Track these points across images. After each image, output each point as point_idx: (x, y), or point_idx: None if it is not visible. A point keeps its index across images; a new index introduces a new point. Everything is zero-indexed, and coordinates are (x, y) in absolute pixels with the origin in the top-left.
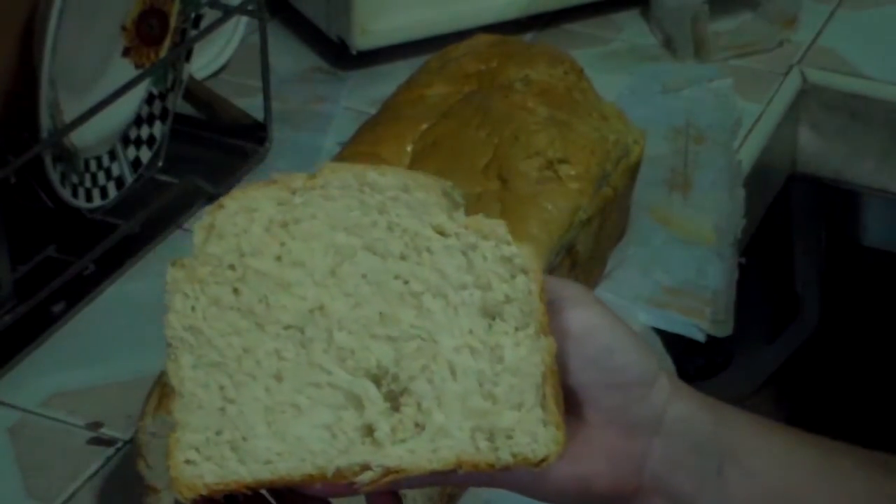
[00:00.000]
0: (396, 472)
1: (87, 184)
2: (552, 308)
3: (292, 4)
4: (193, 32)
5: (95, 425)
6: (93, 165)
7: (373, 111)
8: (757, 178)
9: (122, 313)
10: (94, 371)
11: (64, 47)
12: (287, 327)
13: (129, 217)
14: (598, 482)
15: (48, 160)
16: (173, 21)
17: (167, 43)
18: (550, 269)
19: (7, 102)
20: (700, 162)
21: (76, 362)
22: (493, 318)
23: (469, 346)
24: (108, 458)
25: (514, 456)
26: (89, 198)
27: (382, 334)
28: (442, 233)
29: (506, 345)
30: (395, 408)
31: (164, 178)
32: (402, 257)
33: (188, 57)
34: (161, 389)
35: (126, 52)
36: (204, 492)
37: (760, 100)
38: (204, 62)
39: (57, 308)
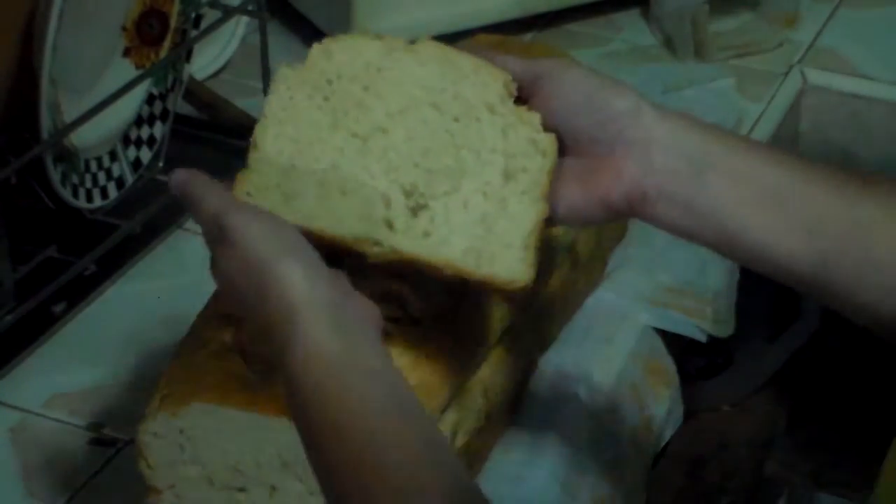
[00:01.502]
0: (399, 253)
1: (88, 184)
2: (539, 82)
3: (292, 4)
4: (194, 33)
5: (96, 426)
6: (93, 166)
7: None
8: None
9: (122, 314)
10: (95, 371)
11: (64, 48)
12: (354, 135)
13: (129, 217)
14: (611, 197)
15: (49, 161)
16: (173, 21)
17: (167, 43)
18: (551, 269)
19: (8, 103)
20: None
21: (77, 363)
22: (510, 179)
23: (484, 191)
24: (109, 459)
25: (490, 275)
26: (90, 198)
27: (423, 165)
28: (492, 110)
29: (511, 199)
30: (415, 215)
31: (164, 178)
32: (456, 119)
33: (188, 57)
34: (162, 390)
35: (126, 53)
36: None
37: (760, 100)
38: (204, 62)
39: (58, 308)
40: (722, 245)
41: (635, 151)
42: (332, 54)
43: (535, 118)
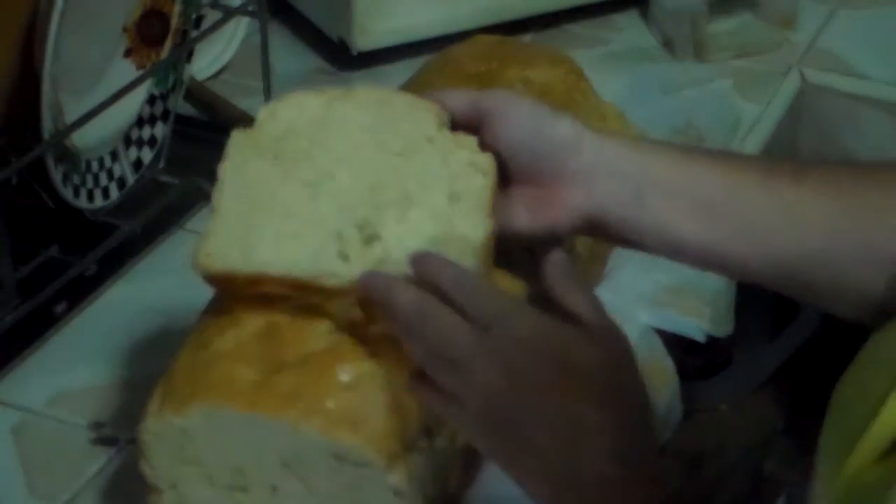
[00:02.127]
0: (356, 282)
1: (89, 184)
2: (485, 119)
3: (293, 5)
4: (194, 33)
5: (98, 425)
6: (94, 166)
7: None
8: None
9: (124, 313)
10: (97, 371)
11: (65, 49)
12: (305, 183)
13: (130, 217)
14: (559, 225)
15: (50, 161)
16: (174, 22)
17: (168, 44)
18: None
19: (9, 103)
20: None
21: (78, 362)
22: (455, 202)
23: (432, 216)
24: (111, 458)
25: None
26: (91, 198)
27: (372, 201)
28: (431, 141)
29: (458, 219)
30: (368, 245)
31: (165, 178)
32: (399, 154)
33: (189, 58)
34: (163, 389)
35: (127, 53)
36: (211, 274)
37: (760, 100)
38: (205, 63)
39: (59, 308)
40: (672, 255)
41: (578, 180)
42: (278, 114)
43: (472, 141)
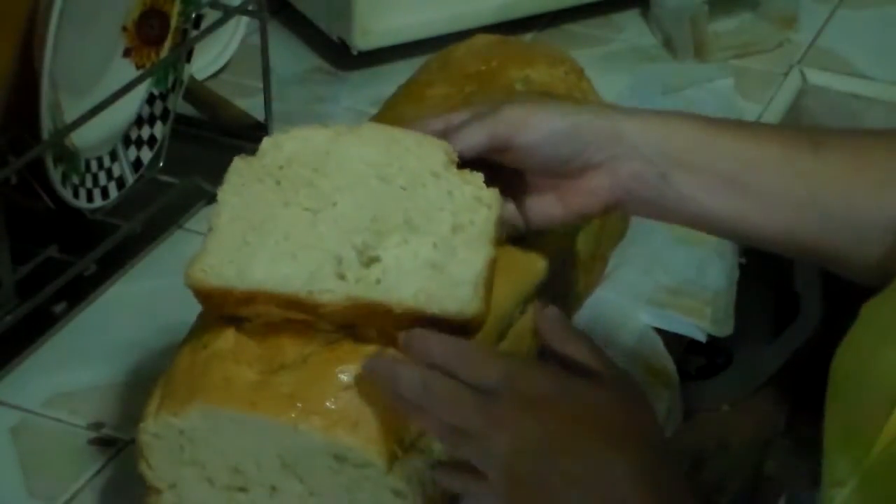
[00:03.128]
0: (352, 299)
1: (89, 184)
2: (509, 141)
3: (293, 4)
4: (194, 33)
5: (97, 425)
6: (94, 166)
7: (373, 111)
8: None
9: (123, 313)
10: (96, 371)
11: (65, 48)
12: (306, 209)
13: (130, 217)
14: (589, 210)
15: (49, 161)
16: (174, 21)
17: (168, 43)
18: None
19: (8, 103)
20: None
21: (77, 362)
22: (458, 232)
23: (434, 243)
24: (110, 459)
25: (441, 311)
26: (90, 198)
27: (373, 228)
28: (437, 176)
29: (461, 247)
30: (366, 267)
31: (164, 178)
32: (403, 187)
33: (189, 57)
34: (162, 390)
35: (127, 53)
36: (205, 289)
37: (760, 100)
38: (204, 62)
39: (58, 308)
40: (696, 227)
41: (604, 168)
42: (282, 145)
43: (478, 178)
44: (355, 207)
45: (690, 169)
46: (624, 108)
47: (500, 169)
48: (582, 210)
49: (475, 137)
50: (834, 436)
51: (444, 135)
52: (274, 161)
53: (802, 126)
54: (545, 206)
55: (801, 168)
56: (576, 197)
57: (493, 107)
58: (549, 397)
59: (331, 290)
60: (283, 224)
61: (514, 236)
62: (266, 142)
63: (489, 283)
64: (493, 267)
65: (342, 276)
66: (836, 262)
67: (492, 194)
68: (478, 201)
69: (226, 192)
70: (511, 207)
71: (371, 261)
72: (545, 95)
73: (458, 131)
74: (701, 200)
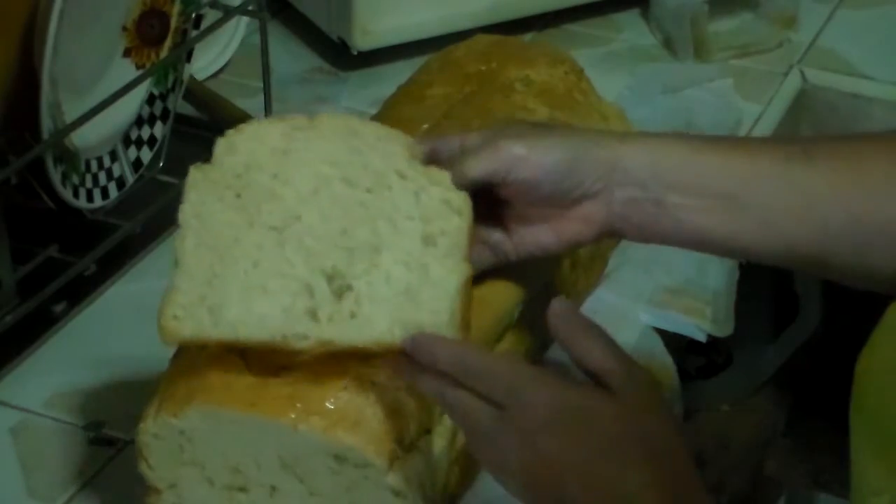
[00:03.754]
0: (327, 344)
1: (89, 184)
2: (507, 177)
3: (293, 4)
4: (194, 33)
5: (96, 425)
6: (94, 166)
7: (373, 111)
8: None
9: (123, 313)
10: (96, 371)
11: (65, 48)
12: (271, 228)
13: (130, 217)
14: (582, 239)
15: (49, 161)
16: (174, 21)
17: (168, 43)
18: (552, 270)
19: (8, 103)
20: None
21: (77, 362)
22: (429, 245)
23: (405, 261)
24: (110, 459)
25: None
26: (90, 198)
27: (341, 245)
28: (402, 175)
29: (433, 264)
30: (339, 298)
31: (164, 178)
32: (368, 190)
33: (189, 57)
34: (162, 390)
35: (127, 53)
36: (180, 341)
37: (760, 100)
38: (205, 62)
39: (58, 308)
40: (692, 246)
41: (598, 197)
42: (236, 146)
43: (445, 177)
44: (321, 220)
45: (685, 191)
46: (619, 134)
47: (488, 194)
48: (575, 239)
49: (472, 173)
50: (864, 442)
51: (440, 165)
52: (231, 168)
53: (795, 137)
54: (536, 236)
55: (796, 180)
56: (569, 225)
57: (490, 139)
58: (557, 415)
59: (305, 337)
60: (250, 249)
61: (500, 266)
62: (220, 144)
63: (466, 305)
64: (468, 286)
65: (314, 315)
66: (840, 272)
67: (461, 198)
68: (447, 206)
69: (186, 213)
70: (499, 237)
71: (343, 290)
72: (540, 126)
73: (455, 166)
74: (697, 222)
